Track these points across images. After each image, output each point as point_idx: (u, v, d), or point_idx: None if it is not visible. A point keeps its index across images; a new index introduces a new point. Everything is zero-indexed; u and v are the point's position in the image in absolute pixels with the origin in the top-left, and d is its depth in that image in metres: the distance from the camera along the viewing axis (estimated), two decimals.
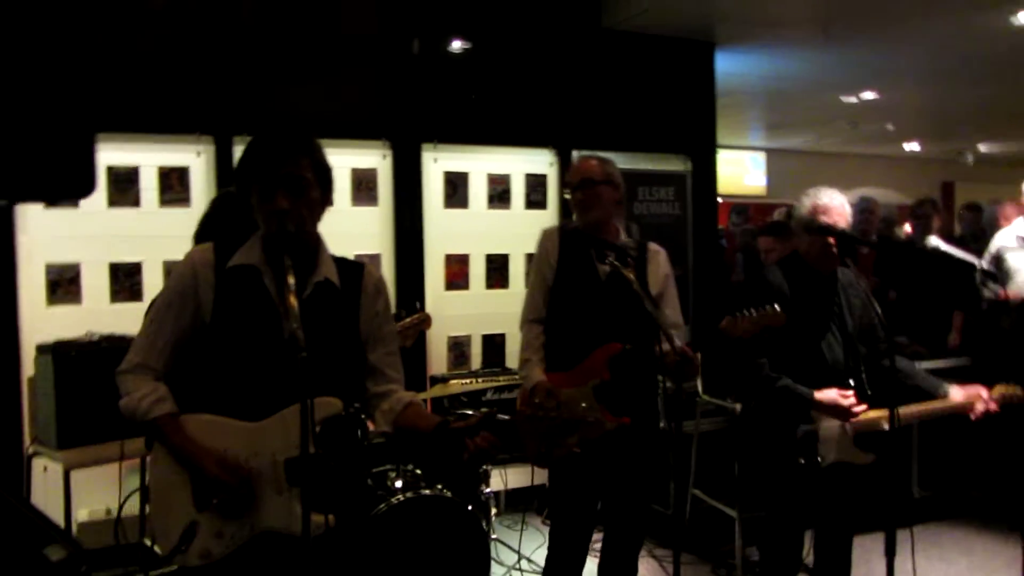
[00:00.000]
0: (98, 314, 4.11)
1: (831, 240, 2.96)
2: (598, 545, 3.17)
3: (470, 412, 2.85)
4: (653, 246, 3.10)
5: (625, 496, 3.02)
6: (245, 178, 2.01)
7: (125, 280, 4.28)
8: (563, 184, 2.98)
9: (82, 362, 3.41)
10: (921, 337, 5.16)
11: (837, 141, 11.76)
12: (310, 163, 2.00)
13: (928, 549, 4.33)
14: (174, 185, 4.38)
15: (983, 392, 3.02)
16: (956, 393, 3.03)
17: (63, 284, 4.17)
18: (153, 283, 4.30)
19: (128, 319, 3.88)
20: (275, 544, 1.95)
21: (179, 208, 4.37)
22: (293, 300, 1.76)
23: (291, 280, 1.82)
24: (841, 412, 2.93)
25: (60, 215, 4.18)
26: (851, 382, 3.02)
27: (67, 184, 2.16)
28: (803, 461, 2.96)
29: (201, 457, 1.93)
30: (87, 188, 2.39)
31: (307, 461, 1.70)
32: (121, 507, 3.36)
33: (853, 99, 8.46)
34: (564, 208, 5.39)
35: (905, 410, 2.97)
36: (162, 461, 1.98)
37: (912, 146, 12.49)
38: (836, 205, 3.00)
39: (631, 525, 3.05)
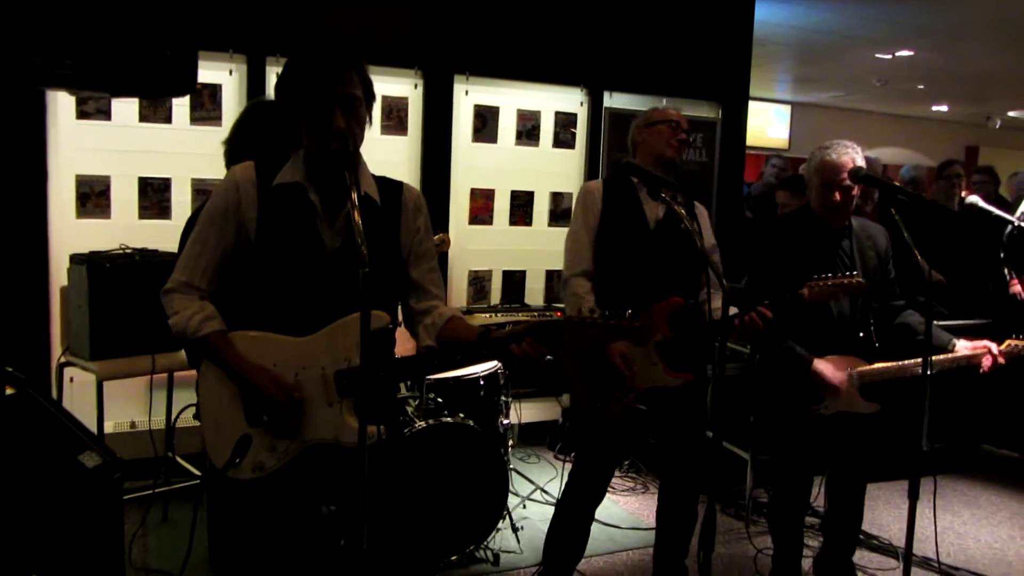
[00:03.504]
0: (127, 229, 4.10)
1: (837, 196, 2.96)
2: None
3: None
4: (699, 205, 3.03)
5: (682, 443, 3.00)
6: (294, 96, 1.97)
7: (154, 195, 4.28)
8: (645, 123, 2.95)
9: (116, 274, 3.43)
10: (941, 296, 5.14)
11: (864, 98, 11.60)
12: (360, 82, 1.98)
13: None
14: (205, 103, 4.35)
15: (992, 346, 3.06)
16: (963, 347, 3.07)
17: (93, 197, 4.18)
18: (182, 201, 4.31)
19: (156, 235, 3.92)
20: (324, 455, 1.98)
21: (210, 126, 4.34)
22: (358, 217, 1.74)
23: (355, 196, 1.79)
24: (830, 387, 2.98)
25: (90, 128, 4.16)
26: (860, 335, 3.08)
27: (169, 83, 2.30)
28: (809, 408, 3.03)
29: (254, 375, 1.93)
30: (188, 87, 2.56)
31: (366, 373, 1.72)
32: (174, 419, 3.38)
33: (888, 56, 8.32)
34: (592, 149, 5.37)
35: (911, 362, 3.02)
36: (212, 377, 2.00)
37: (940, 108, 12.32)
38: (845, 161, 2.98)
39: (690, 471, 3.03)
